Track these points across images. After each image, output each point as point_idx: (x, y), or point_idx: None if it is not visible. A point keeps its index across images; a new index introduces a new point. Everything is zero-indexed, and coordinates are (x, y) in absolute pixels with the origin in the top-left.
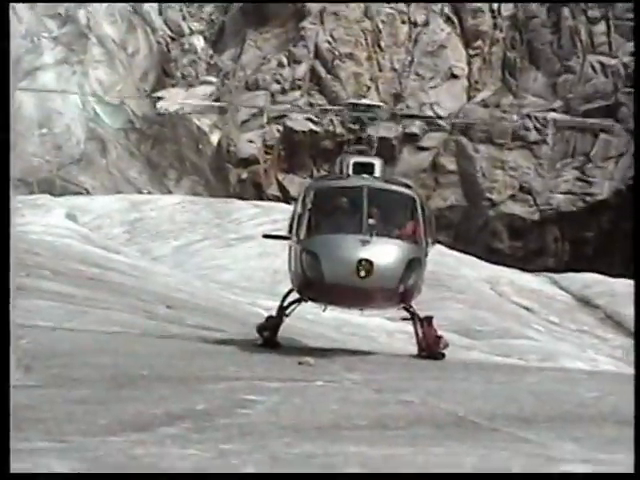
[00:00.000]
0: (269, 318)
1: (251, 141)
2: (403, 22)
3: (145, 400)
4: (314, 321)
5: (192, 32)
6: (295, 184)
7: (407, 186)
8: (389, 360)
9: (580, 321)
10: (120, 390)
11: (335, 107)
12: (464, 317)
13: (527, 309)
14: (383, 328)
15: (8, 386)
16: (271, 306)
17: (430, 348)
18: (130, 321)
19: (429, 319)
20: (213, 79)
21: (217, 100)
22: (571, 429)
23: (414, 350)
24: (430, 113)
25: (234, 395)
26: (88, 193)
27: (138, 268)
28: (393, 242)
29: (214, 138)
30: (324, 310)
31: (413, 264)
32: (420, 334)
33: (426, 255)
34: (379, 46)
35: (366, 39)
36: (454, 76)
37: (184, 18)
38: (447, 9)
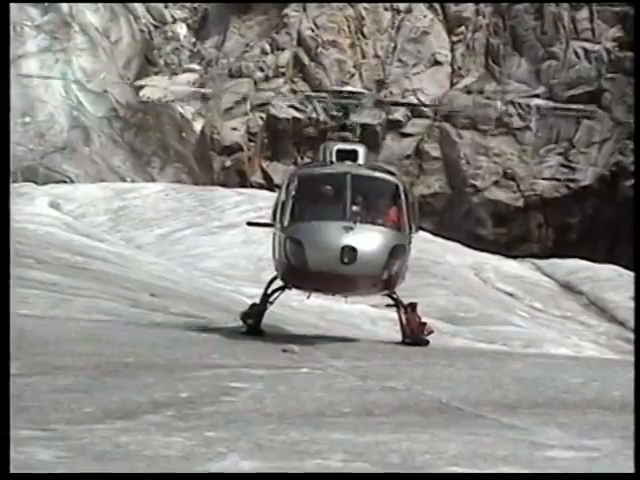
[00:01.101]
0: (253, 305)
1: (235, 129)
2: (386, 9)
3: (130, 388)
4: (298, 308)
5: (175, 20)
6: (279, 171)
7: (391, 173)
8: (373, 347)
9: (564, 307)
10: (105, 378)
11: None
12: (448, 303)
13: (511, 295)
14: (367, 315)
15: (8, 388)
16: (255, 294)
17: (414, 335)
18: (114, 309)
19: (413, 306)
20: (196, 67)
21: (201, 87)
22: (555, 415)
23: (398, 337)
24: (413, 100)
25: (218, 383)
26: (72, 181)
27: (122, 256)
28: (377, 229)
29: (197, 126)
30: (308, 297)
31: (397, 251)
32: (404, 321)
33: (410, 242)
34: (362, 33)
35: (349, 26)
36: (437, 62)
37: (167, 6)
38: None
